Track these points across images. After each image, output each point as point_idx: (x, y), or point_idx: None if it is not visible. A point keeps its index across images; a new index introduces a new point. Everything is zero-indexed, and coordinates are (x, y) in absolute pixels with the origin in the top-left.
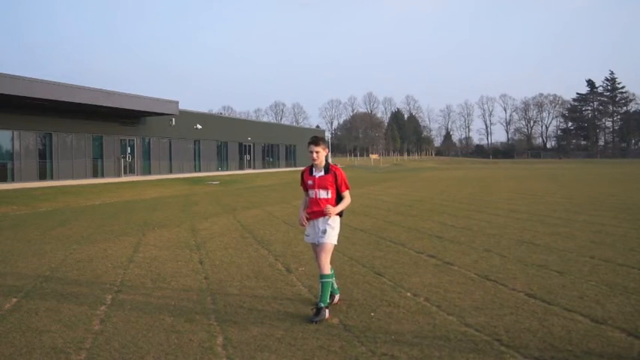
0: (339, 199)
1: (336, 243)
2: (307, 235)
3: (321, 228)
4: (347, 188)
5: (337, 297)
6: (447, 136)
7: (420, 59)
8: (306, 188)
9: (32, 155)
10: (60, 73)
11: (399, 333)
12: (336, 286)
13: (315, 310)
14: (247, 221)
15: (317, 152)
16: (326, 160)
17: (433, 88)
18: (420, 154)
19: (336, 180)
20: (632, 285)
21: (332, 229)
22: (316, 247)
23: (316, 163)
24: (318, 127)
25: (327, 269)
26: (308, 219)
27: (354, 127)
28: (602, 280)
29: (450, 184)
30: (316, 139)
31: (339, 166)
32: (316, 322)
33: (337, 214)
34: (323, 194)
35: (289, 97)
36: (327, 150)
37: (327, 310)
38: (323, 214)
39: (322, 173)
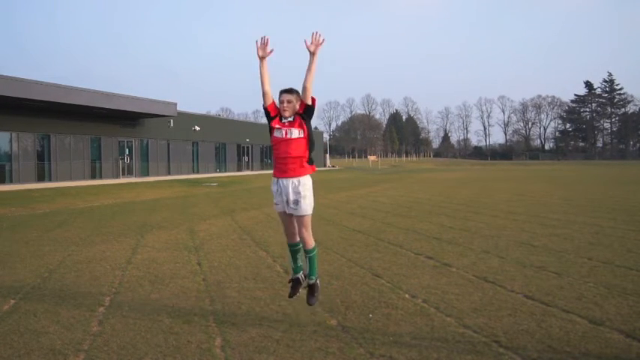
0: (310, 144)
1: (311, 212)
2: (277, 204)
3: (292, 198)
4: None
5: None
6: (446, 137)
7: (419, 61)
8: (274, 138)
9: (30, 157)
10: (58, 74)
11: (397, 334)
12: (300, 263)
13: (308, 289)
14: (246, 223)
15: (289, 102)
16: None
17: (431, 90)
18: (419, 155)
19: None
20: (631, 286)
21: (304, 198)
22: (288, 218)
23: (286, 115)
24: (316, 128)
25: (310, 243)
26: (275, 175)
27: (353, 129)
28: (601, 281)
29: (448, 186)
30: (290, 89)
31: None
32: (314, 303)
33: (311, 165)
34: (295, 133)
35: None
36: (299, 102)
37: (318, 281)
38: (295, 173)
39: (292, 119)
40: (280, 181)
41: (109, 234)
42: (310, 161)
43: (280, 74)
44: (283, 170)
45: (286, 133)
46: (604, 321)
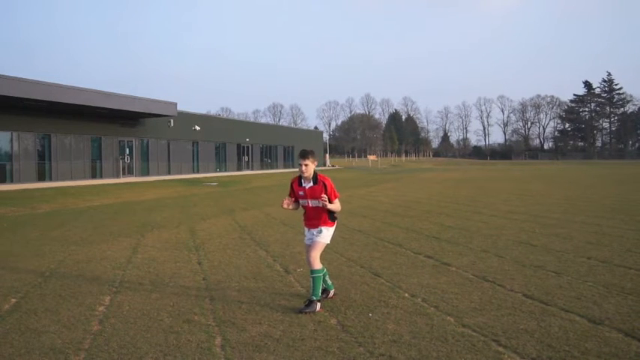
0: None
1: (328, 242)
2: (306, 236)
3: (318, 229)
4: (336, 197)
5: (332, 292)
6: (445, 137)
7: (418, 60)
8: (296, 198)
9: (31, 156)
10: (58, 74)
11: (396, 334)
12: (329, 282)
13: (307, 302)
14: (246, 222)
15: (306, 165)
16: (314, 171)
17: (431, 90)
18: (418, 155)
19: (325, 190)
20: (629, 285)
21: (327, 230)
22: (309, 247)
23: (305, 175)
24: (316, 128)
25: (316, 265)
26: (306, 227)
27: (352, 129)
28: (600, 280)
29: (447, 185)
30: (305, 153)
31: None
32: (306, 313)
33: (332, 221)
34: (314, 203)
35: (287, 98)
36: (316, 162)
37: (318, 304)
38: (318, 225)
39: (311, 184)
40: (308, 230)
41: (110, 233)
42: (332, 218)
43: (280, 74)
44: (310, 225)
45: (308, 204)
46: (603, 320)
